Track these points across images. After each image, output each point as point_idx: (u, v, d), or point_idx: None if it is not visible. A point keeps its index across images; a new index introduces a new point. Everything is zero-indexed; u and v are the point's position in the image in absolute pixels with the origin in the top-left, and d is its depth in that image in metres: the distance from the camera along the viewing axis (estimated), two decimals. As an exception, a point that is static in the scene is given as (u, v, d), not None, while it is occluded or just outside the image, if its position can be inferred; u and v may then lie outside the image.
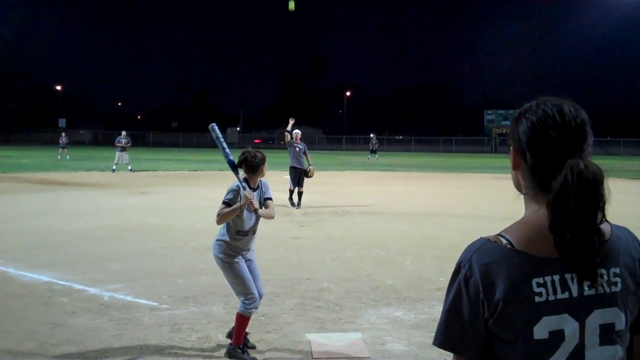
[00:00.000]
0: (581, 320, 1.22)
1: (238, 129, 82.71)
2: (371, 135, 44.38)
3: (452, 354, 1.30)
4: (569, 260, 1.21)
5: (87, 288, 6.21)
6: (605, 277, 1.24)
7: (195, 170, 26.32)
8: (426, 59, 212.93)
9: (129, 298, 5.90)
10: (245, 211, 4.39)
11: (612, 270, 1.25)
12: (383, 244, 8.89)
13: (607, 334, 1.23)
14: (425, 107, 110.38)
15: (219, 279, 6.65)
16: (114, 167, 23.67)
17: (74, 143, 52.23)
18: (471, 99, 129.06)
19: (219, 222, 4.40)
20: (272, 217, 4.60)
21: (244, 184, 4.40)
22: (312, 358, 4.43)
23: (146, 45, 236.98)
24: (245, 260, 4.54)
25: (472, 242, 1.31)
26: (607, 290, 1.24)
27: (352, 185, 20.13)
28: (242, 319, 4.42)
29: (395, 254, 8.23)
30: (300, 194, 13.30)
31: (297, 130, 14.04)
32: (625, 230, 1.34)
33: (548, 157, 1.26)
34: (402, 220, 11.43)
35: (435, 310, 5.49)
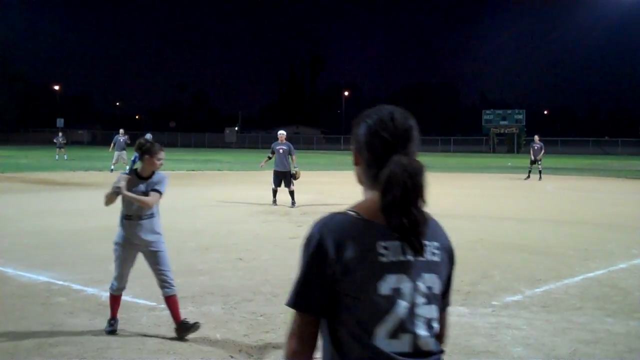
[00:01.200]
0: (414, 282, 1.45)
1: (236, 129, 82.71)
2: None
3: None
4: (400, 235, 1.44)
5: (85, 288, 6.21)
6: (430, 249, 1.50)
7: (193, 170, 26.28)
8: (424, 59, 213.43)
9: (127, 298, 5.88)
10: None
11: (434, 244, 1.52)
12: (381, 244, 8.89)
13: (429, 295, 1.48)
14: (424, 107, 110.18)
15: (217, 279, 6.66)
16: (112, 167, 23.63)
17: (72, 143, 52.22)
18: (469, 99, 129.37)
19: (105, 203, 4.90)
20: (146, 205, 4.78)
21: (127, 170, 4.80)
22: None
23: (144, 45, 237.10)
24: (144, 249, 4.86)
25: (319, 218, 1.50)
26: (431, 259, 1.50)
27: (350, 185, 19.95)
28: (109, 296, 4.98)
29: (393, 253, 8.22)
30: (291, 193, 13.21)
31: (281, 132, 13.82)
32: (435, 220, 1.60)
33: (381, 154, 1.50)
34: (400, 220, 11.41)
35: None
